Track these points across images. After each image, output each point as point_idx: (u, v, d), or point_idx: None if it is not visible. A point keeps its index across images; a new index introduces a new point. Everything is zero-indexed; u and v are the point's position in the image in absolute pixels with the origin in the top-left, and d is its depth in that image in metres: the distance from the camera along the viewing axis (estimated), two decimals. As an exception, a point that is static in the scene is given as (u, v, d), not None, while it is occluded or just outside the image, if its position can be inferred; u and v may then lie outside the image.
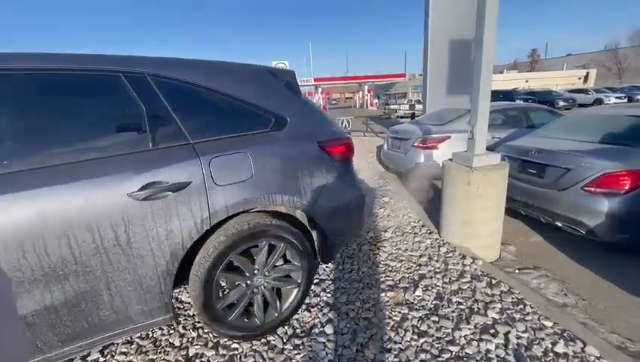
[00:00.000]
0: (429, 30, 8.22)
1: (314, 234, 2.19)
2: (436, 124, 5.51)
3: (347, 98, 62.47)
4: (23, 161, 1.33)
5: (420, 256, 2.98)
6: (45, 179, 1.33)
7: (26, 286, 1.31)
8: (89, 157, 1.43)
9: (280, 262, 2.03)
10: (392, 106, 25.06)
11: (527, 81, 38.58)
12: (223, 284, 2.18)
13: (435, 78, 8.54)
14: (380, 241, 3.30)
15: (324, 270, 2.75)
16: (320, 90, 39.22)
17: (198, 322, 2.13)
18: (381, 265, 2.83)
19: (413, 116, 19.54)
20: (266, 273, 1.95)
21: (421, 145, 5.20)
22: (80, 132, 1.46)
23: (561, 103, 21.59)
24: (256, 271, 1.91)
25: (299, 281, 2.05)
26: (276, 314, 2.00)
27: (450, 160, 3.36)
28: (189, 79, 1.72)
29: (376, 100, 40.49)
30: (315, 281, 2.58)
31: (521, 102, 18.55)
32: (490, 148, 4.61)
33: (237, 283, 1.89)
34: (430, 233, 3.49)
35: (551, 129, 3.99)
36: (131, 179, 1.49)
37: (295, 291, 2.06)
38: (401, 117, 21.43)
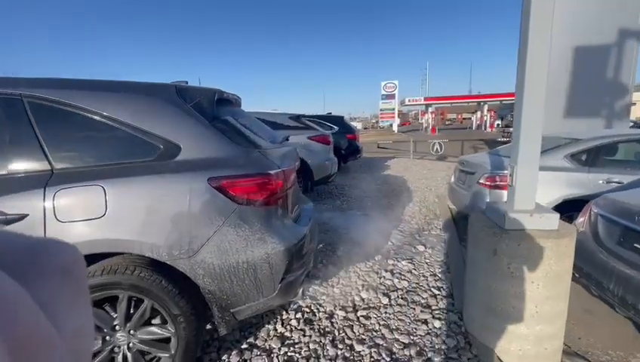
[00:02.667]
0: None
1: None
2: (517, 156, 4.12)
3: (464, 119, 56.76)
4: None
5: (405, 346, 2.09)
6: None
7: None
8: None
9: (157, 321, 1.65)
10: (511, 129, 21.24)
11: None
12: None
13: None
14: (368, 309, 2.50)
15: (269, 335, 2.21)
16: (430, 109, 36.86)
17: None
18: (341, 347, 2.09)
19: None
20: (131, 331, 1.60)
21: (488, 182, 3.96)
22: None
23: None
24: (117, 327, 1.59)
25: (172, 352, 1.62)
26: (139, 387, 1.62)
27: (483, 212, 2.33)
28: (67, 100, 1.57)
29: (499, 121, 35.28)
30: (239, 348, 2.07)
31: None
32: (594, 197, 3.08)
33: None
34: (448, 311, 2.47)
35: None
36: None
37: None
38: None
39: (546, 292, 1.90)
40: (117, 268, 1.52)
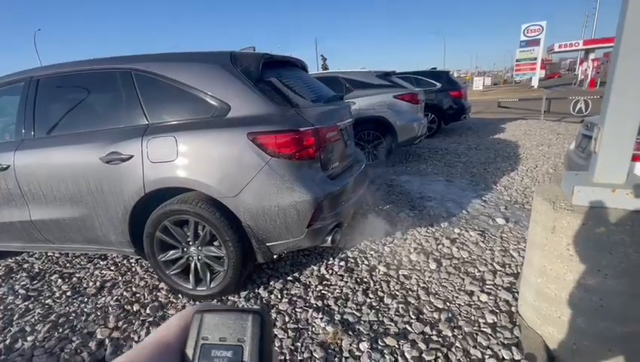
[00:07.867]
0: None
1: None
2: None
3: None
4: (49, 131, 2.24)
5: (436, 310, 2.07)
6: (57, 141, 2.18)
7: (43, 204, 2.26)
8: (84, 130, 2.16)
9: (216, 244, 2.14)
10: None
11: None
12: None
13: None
14: (412, 270, 2.51)
15: (312, 274, 2.51)
16: (592, 56, 28.31)
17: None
18: (371, 296, 2.22)
19: None
20: (199, 247, 2.14)
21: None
22: (76, 112, 2.19)
23: None
24: (189, 242, 2.15)
25: (225, 268, 2.09)
26: (204, 288, 2.17)
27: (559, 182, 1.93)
28: (154, 70, 2.07)
29: None
30: (284, 279, 2.44)
31: None
32: None
33: (176, 245, 2.19)
34: (503, 289, 2.26)
35: None
36: (104, 147, 2.08)
37: (222, 275, 2.12)
38: None
39: (618, 286, 1.54)
40: (186, 200, 2.02)
